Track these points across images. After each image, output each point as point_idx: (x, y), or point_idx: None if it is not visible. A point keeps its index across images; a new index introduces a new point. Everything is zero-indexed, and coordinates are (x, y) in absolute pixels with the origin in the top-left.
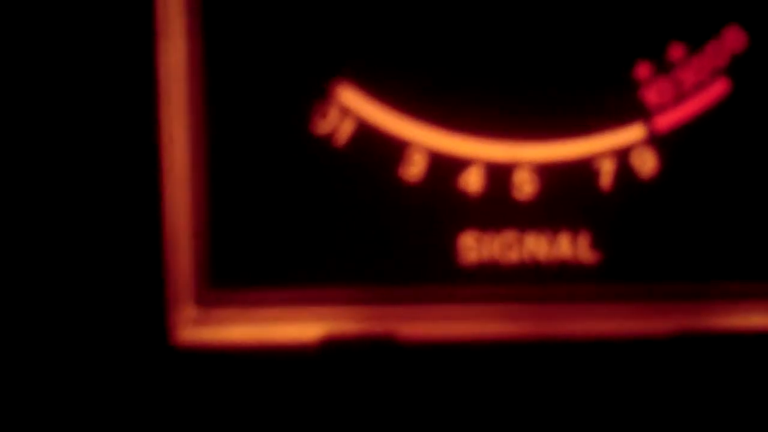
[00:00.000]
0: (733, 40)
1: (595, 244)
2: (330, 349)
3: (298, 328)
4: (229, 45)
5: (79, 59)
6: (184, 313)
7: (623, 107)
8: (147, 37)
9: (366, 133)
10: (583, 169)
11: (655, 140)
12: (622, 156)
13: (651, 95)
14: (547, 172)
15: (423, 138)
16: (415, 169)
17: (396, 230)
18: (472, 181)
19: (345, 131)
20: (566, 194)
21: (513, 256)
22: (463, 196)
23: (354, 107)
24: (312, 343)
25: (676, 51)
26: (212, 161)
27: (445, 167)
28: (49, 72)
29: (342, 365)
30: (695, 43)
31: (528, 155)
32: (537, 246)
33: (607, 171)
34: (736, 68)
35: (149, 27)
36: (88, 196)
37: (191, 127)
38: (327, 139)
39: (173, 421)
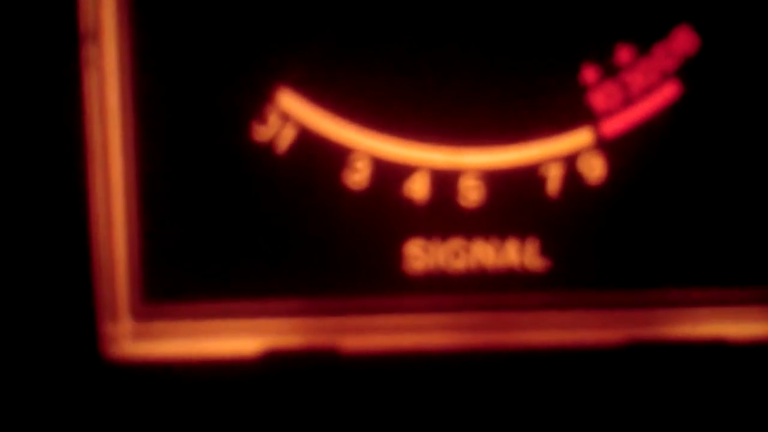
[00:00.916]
0: (683, 41)
1: (543, 252)
2: (271, 362)
3: (237, 341)
4: (163, 48)
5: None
6: (120, 326)
7: (570, 112)
8: (73, 39)
9: (307, 140)
10: (529, 176)
11: (603, 145)
12: (570, 162)
13: (598, 100)
14: (493, 178)
15: (366, 144)
16: (358, 176)
17: (339, 239)
18: (418, 188)
19: (286, 138)
20: (513, 201)
21: (460, 264)
22: (408, 204)
23: (295, 113)
24: (252, 357)
25: (623, 53)
26: (146, 169)
27: (390, 174)
28: None
29: (283, 379)
30: (644, 45)
31: (474, 162)
32: (484, 254)
33: (554, 177)
34: (687, 71)
35: (74, 28)
36: (14, 205)
37: (123, 133)
38: (267, 146)
39: None
